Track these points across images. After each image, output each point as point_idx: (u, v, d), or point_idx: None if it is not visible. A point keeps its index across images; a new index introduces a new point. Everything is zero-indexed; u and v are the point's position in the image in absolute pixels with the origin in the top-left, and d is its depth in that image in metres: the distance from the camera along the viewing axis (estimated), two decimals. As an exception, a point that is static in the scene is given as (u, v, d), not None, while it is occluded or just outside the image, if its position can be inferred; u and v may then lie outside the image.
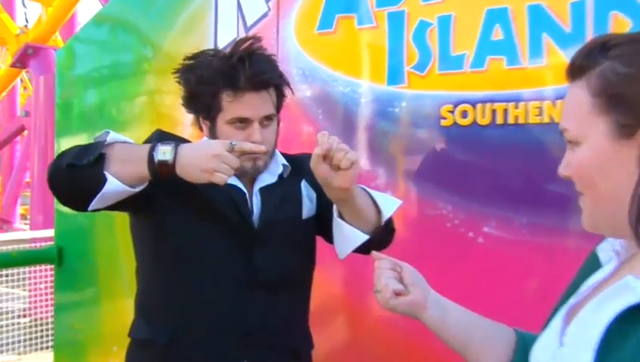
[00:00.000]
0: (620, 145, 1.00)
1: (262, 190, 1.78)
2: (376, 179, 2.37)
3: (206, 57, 1.75)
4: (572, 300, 1.12)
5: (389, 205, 1.76)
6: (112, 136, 1.65)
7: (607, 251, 1.13)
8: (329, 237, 1.82)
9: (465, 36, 2.19)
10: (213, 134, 1.74)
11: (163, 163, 1.56)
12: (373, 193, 1.76)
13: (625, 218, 1.00)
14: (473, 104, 2.18)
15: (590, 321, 1.01)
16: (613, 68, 1.00)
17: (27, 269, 6.21)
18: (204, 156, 1.55)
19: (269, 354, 1.76)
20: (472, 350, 1.26)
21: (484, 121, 2.16)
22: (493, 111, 2.14)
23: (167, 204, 1.73)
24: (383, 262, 1.30)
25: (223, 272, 1.74)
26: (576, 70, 1.05)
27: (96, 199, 1.61)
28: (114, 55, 3.26)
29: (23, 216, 12.46)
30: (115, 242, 3.07)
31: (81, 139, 2.95)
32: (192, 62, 1.76)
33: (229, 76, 1.66)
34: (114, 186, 1.58)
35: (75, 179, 1.60)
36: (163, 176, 1.58)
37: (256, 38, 1.75)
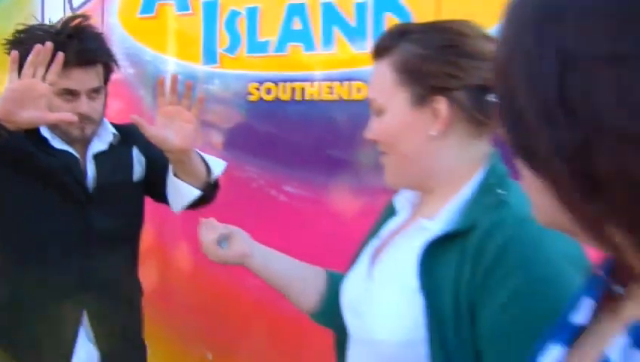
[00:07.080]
0: (417, 112, 1.12)
1: (95, 156, 1.79)
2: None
3: (37, 32, 1.71)
4: (375, 242, 1.25)
5: (217, 166, 1.82)
6: None
7: (402, 201, 1.25)
8: (158, 196, 1.89)
9: (269, 25, 2.36)
10: None
11: None
12: (204, 155, 1.82)
13: (421, 174, 1.15)
14: (276, 82, 2.35)
15: (395, 257, 1.14)
16: (411, 49, 1.12)
17: None
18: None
19: (106, 303, 1.78)
20: (292, 289, 1.39)
21: (285, 97, 2.35)
22: (293, 90, 2.33)
23: (3, 174, 1.71)
24: (208, 223, 1.40)
25: (62, 234, 1.74)
26: (380, 50, 1.16)
27: None
28: None
29: None
30: None
31: None
32: (22, 35, 1.73)
33: (58, 52, 1.57)
34: None
35: None
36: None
37: (85, 17, 1.77)
